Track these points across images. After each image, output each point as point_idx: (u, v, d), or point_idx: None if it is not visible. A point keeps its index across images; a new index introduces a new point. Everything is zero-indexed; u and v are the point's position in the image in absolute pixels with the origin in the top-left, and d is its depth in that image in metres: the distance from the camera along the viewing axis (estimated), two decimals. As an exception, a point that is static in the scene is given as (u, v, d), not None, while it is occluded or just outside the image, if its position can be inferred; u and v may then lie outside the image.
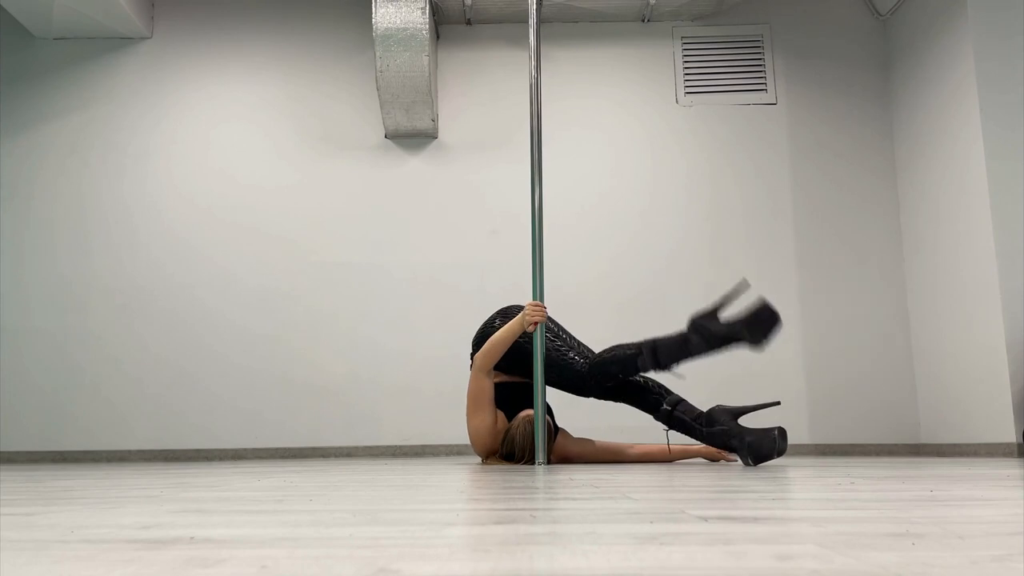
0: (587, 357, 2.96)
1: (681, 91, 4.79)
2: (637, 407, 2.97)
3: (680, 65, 4.82)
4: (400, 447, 4.38)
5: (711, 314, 2.73)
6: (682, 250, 4.61)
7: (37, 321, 4.53)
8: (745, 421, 2.80)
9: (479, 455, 2.97)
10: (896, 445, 4.39)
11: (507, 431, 2.81)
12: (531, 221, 2.97)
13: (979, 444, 3.87)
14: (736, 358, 4.49)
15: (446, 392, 4.27)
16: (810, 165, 4.69)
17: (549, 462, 2.81)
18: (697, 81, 4.80)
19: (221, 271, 4.60)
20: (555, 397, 3.17)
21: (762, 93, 4.77)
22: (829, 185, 4.67)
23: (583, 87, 4.81)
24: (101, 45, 4.82)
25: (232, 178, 4.70)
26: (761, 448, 2.62)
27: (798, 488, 1.48)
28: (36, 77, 4.78)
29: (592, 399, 3.04)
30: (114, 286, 4.57)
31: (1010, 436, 3.67)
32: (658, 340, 2.81)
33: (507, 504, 1.16)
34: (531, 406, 2.90)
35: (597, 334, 4.51)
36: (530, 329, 2.85)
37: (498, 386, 2.95)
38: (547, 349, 2.94)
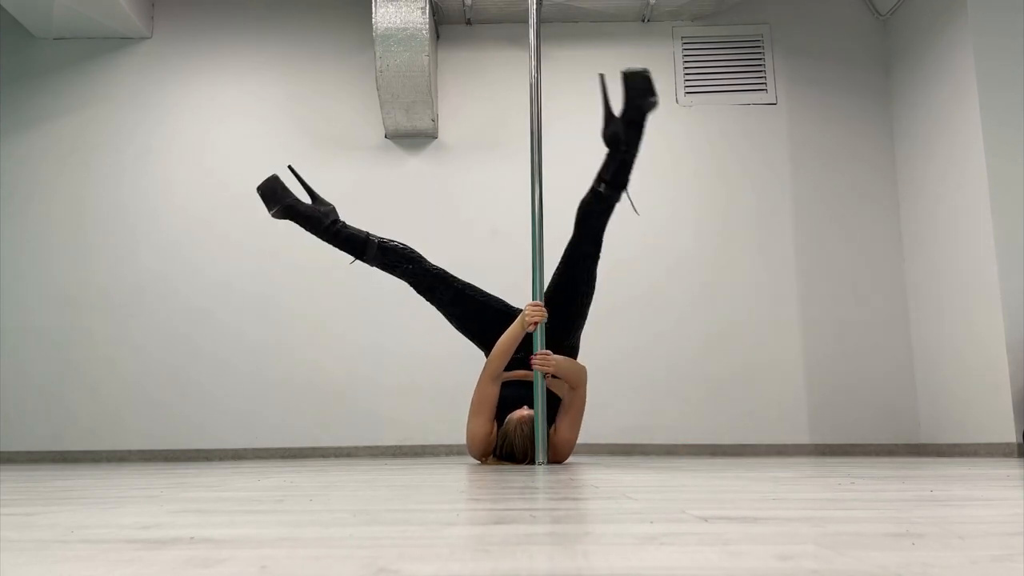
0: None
1: (681, 91, 4.79)
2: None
3: (680, 65, 4.82)
4: (400, 447, 4.38)
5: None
6: (681, 249, 4.61)
7: (37, 320, 4.53)
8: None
9: (472, 456, 2.97)
10: (896, 445, 4.39)
11: (504, 434, 2.80)
12: (531, 221, 2.97)
13: (979, 444, 3.87)
14: (735, 354, 4.49)
15: (446, 392, 4.26)
16: (810, 165, 4.69)
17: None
18: (697, 81, 4.80)
19: (221, 270, 4.60)
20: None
21: (762, 93, 4.77)
22: (829, 185, 4.67)
23: (583, 87, 4.80)
24: (101, 45, 4.82)
25: (232, 177, 4.69)
26: (635, 88, 2.89)
27: (798, 488, 1.48)
28: (36, 77, 4.78)
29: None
30: (114, 285, 4.57)
31: (1010, 436, 3.67)
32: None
33: (507, 504, 1.16)
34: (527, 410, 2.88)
35: (596, 333, 4.51)
36: (530, 329, 2.86)
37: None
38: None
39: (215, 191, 4.68)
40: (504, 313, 3.02)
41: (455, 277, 3.13)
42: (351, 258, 3.15)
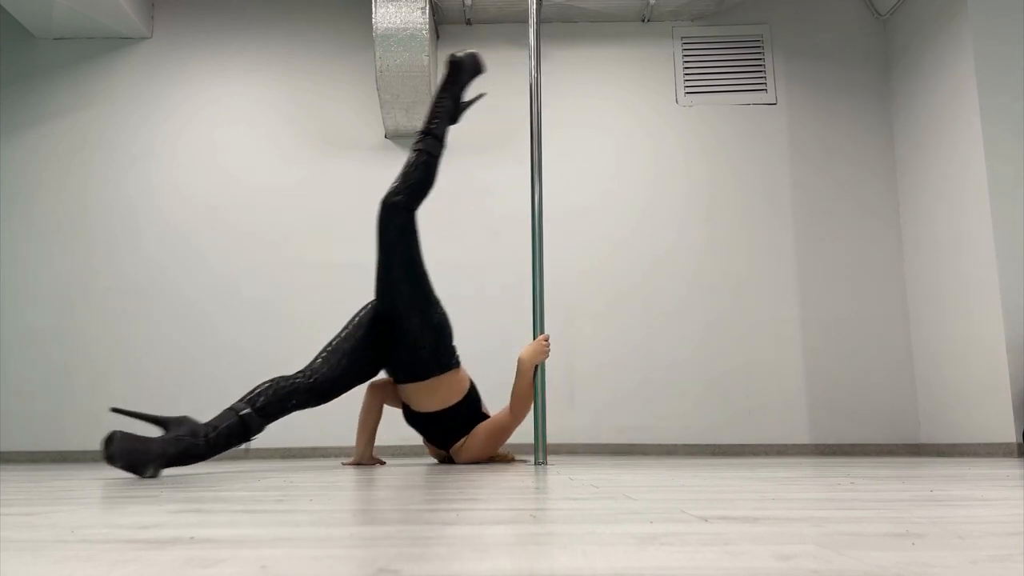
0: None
1: (681, 91, 4.79)
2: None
3: (680, 65, 4.82)
4: (400, 447, 4.38)
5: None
6: (682, 250, 4.61)
7: (38, 321, 4.53)
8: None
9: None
10: (896, 445, 4.39)
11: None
12: (531, 221, 2.97)
13: (979, 444, 3.87)
14: (735, 354, 4.49)
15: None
16: (810, 165, 4.69)
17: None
18: (697, 81, 4.80)
19: (222, 271, 4.60)
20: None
21: (762, 93, 4.77)
22: (829, 185, 4.67)
23: (583, 87, 4.81)
24: (101, 45, 4.82)
25: (233, 177, 4.70)
26: (465, 64, 2.94)
27: (798, 488, 1.48)
28: (36, 77, 4.78)
29: None
30: (115, 286, 4.57)
31: (1010, 436, 3.67)
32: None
33: (507, 504, 1.16)
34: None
35: (596, 332, 4.52)
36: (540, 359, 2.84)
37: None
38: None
39: (216, 191, 4.68)
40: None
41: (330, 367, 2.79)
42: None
